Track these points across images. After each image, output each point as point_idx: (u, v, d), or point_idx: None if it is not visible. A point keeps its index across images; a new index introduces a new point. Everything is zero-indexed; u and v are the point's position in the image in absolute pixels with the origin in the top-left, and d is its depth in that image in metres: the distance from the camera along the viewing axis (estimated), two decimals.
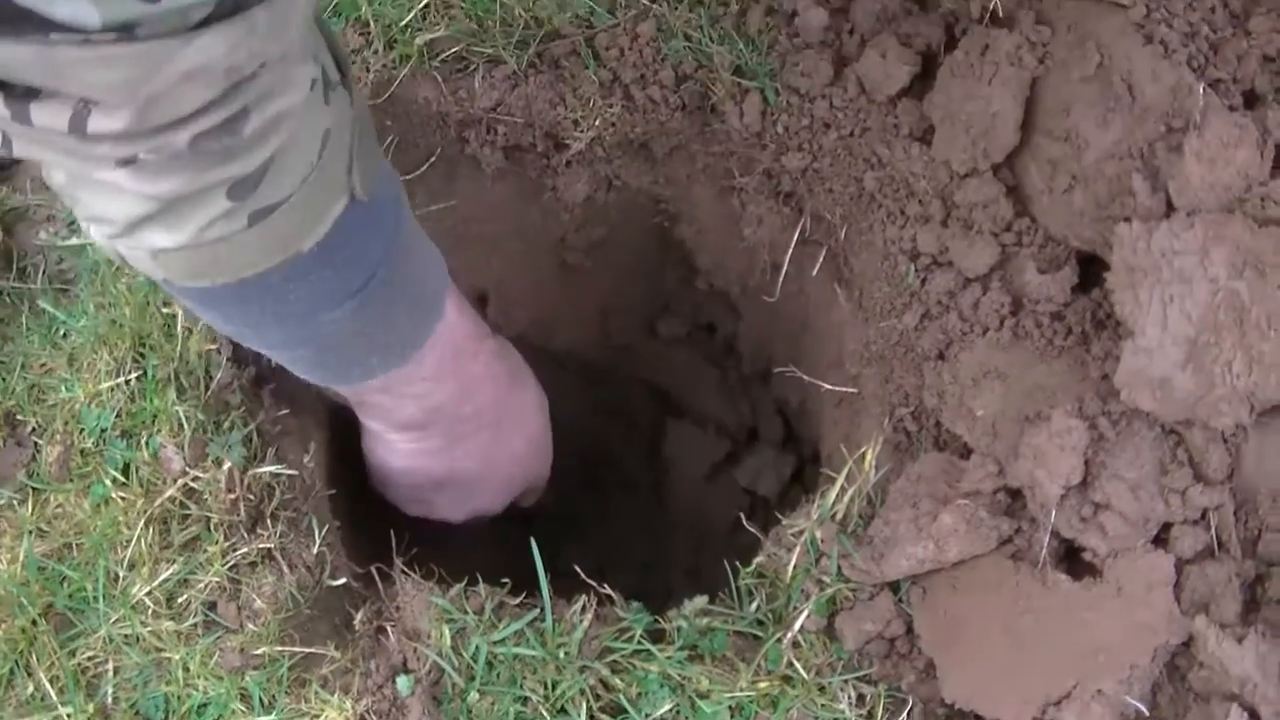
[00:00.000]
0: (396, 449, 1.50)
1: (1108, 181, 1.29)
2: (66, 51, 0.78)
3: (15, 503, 1.43)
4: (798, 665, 1.30)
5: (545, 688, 1.29)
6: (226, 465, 1.37)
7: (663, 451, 2.06)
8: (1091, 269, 1.35)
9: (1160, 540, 1.23)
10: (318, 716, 1.29)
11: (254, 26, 0.86)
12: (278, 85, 0.95)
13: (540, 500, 1.74)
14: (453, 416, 1.45)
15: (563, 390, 1.82)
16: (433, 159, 1.62)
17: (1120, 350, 1.22)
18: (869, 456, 1.37)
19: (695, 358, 2.02)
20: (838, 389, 1.53)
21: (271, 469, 1.39)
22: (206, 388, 1.42)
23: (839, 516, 1.34)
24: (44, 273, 1.56)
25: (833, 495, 1.35)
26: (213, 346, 1.43)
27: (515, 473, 1.62)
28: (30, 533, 1.40)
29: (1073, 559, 1.26)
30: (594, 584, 1.34)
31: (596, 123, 1.54)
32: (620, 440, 2.08)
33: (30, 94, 0.84)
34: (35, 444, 1.45)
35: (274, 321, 1.17)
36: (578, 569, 1.35)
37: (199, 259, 1.03)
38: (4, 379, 1.49)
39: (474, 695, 1.29)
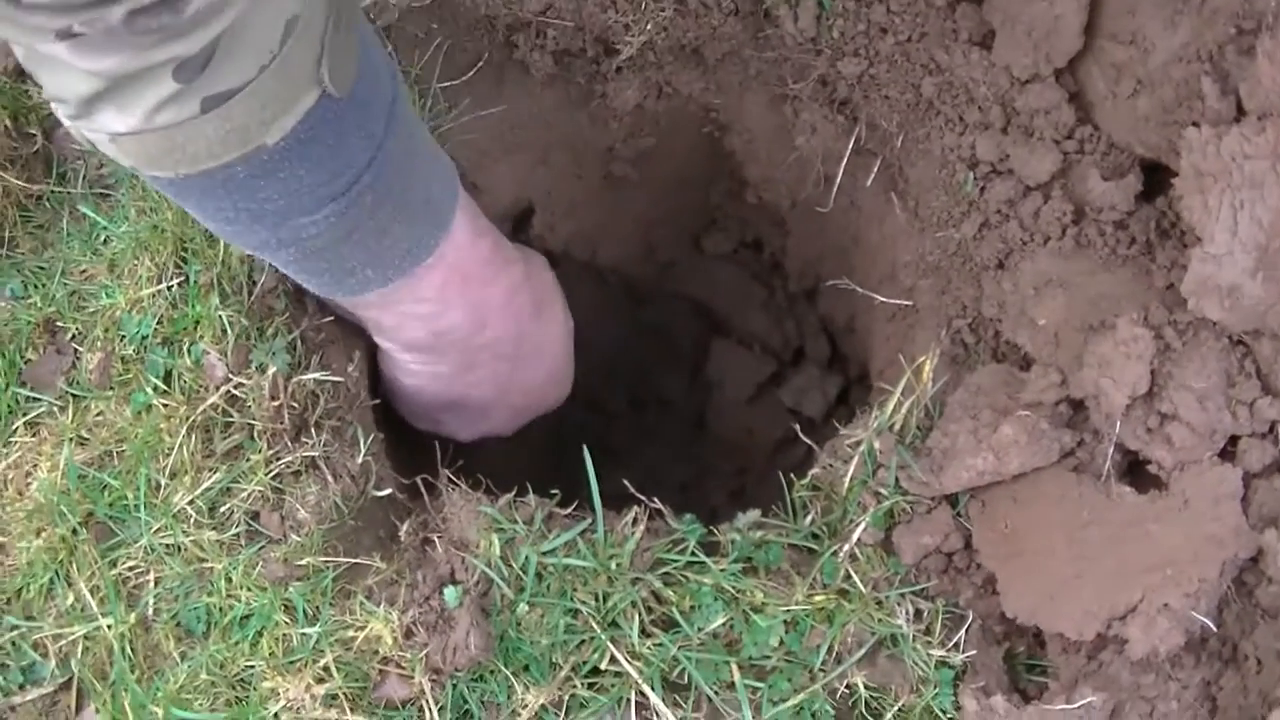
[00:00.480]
0: (405, 368, 1.47)
1: (1175, 85, 1.26)
2: None
3: (56, 410, 1.41)
4: (855, 578, 1.28)
5: (596, 600, 1.27)
6: (270, 371, 1.35)
7: (706, 372, 2.04)
8: (1156, 177, 1.32)
9: (1227, 453, 1.20)
10: (363, 628, 1.27)
11: None
12: None
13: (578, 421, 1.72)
14: (463, 344, 1.41)
15: (605, 309, 1.80)
16: (480, 64, 1.58)
17: (1187, 259, 1.19)
18: (926, 367, 1.34)
19: (741, 275, 1.99)
20: (891, 302, 1.51)
21: (316, 376, 1.37)
22: (250, 293, 1.39)
23: (896, 428, 1.32)
24: (84, 177, 1.53)
25: (890, 406, 1.33)
26: None
27: (531, 402, 1.58)
28: (70, 440, 1.38)
29: (1136, 472, 1.24)
30: (644, 499, 1.32)
31: (648, 27, 1.51)
32: (663, 360, 2.06)
33: None
34: (75, 351, 1.43)
35: (250, 220, 1.13)
36: (627, 484, 1.33)
37: (155, 145, 1.00)
38: (44, 285, 1.46)
39: (523, 607, 1.27)
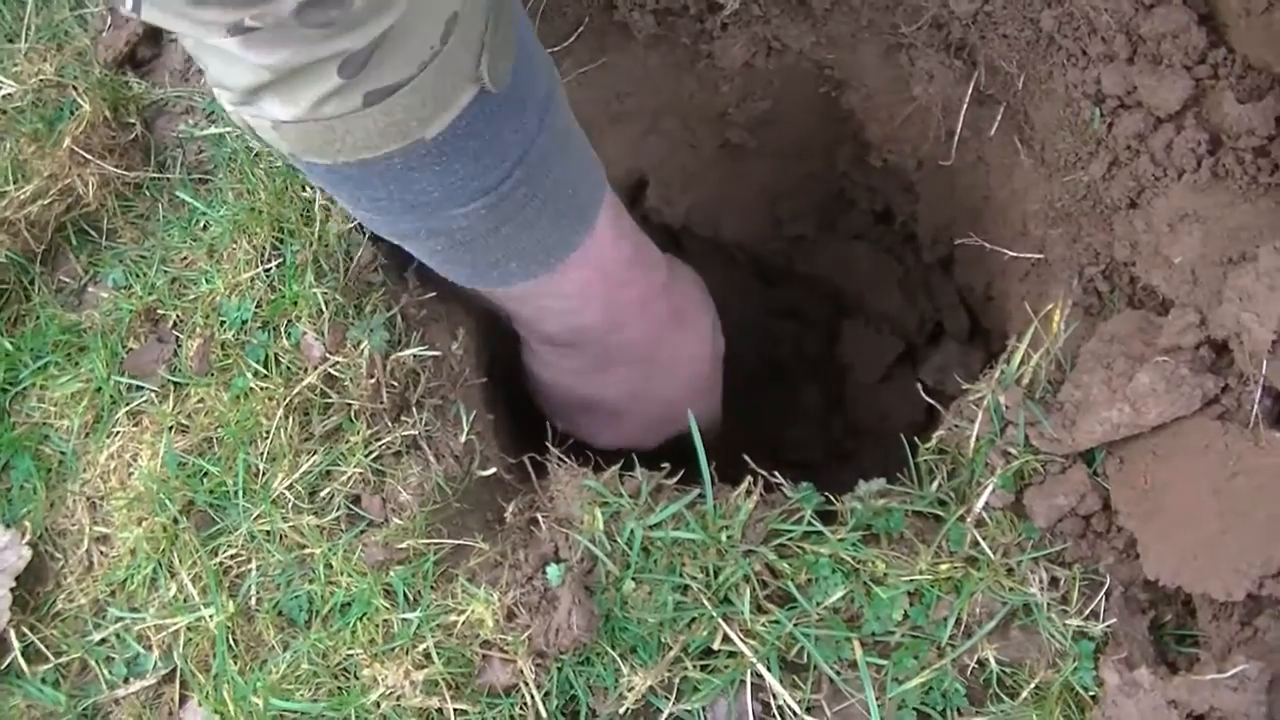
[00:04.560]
0: (541, 359, 1.48)
1: None
2: None
3: (156, 399, 1.39)
4: (983, 544, 1.20)
5: (706, 574, 1.20)
6: (367, 349, 1.31)
7: (837, 355, 1.96)
8: None
9: None
10: (464, 611, 1.22)
11: None
12: None
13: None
14: (598, 343, 1.41)
15: (735, 290, 1.74)
16: (581, 28, 1.54)
17: None
18: (1056, 316, 1.26)
19: (874, 252, 1.92)
20: (1022, 256, 1.42)
21: (415, 352, 1.33)
22: (346, 270, 1.36)
23: (1025, 382, 1.23)
24: (182, 164, 1.52)
25: (1017, 358, 1.24)
26: (351, 225, 1.37)
27: (668, 414, 1.54)
28: (170, 429, 1.36)
29: None
30: (759, 471, 1.25)
31: None
32: (794, 343, 1.99)
33: None
34: (176, 339, 1.41)
35: (402, 209, 1.14)
36: (746, 458, 1.26)
37: (317, 134, 1.01)
38: (145, 274, 1.45)
39: (629, 584, 1.21)
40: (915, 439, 1.28)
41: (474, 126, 1.06)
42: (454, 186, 1.11)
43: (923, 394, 1.33)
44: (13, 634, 1.34)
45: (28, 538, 1.38)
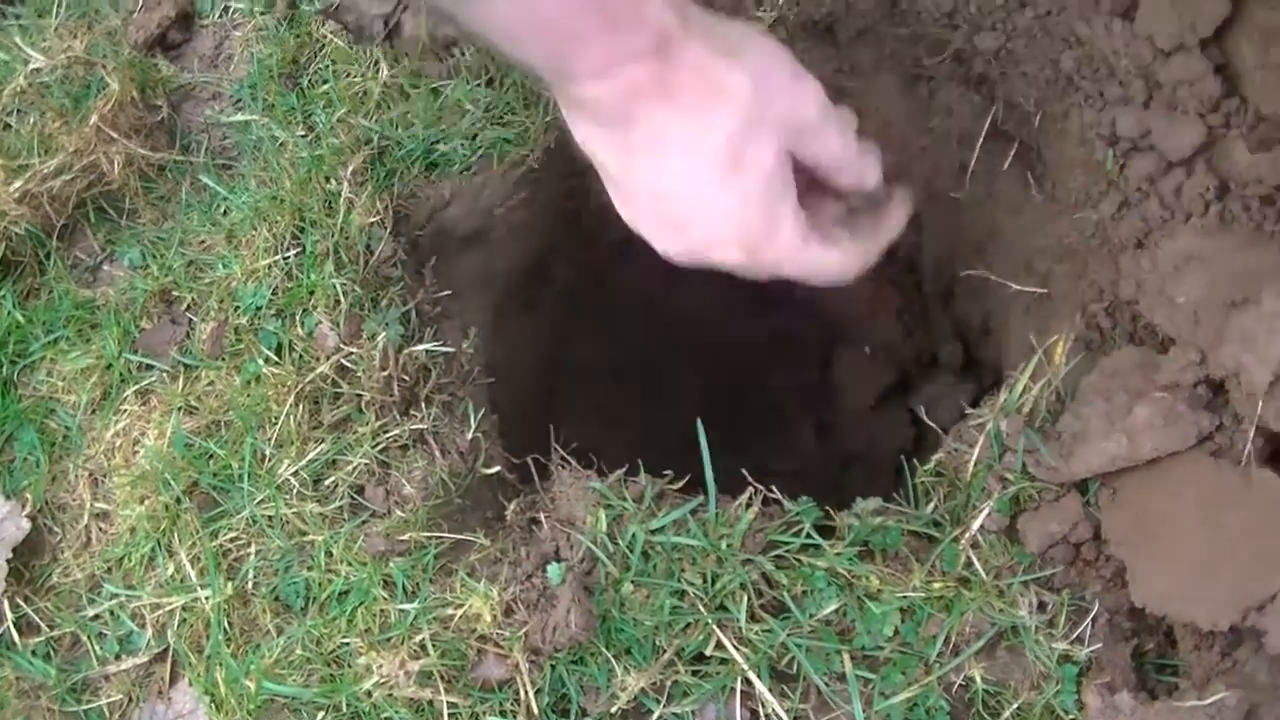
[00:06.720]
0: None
1: None
2: None
3: (166, 378, 1.40)
4: (977, 565, 1.22)
5: (704, 581, 1.22)
6: (382, 341, 1.32)
7: (829, 379, 1.98)
8: None
9: None
10: (462, 605, 1.23)
11: None
12: None
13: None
14: (562, 93, 1.07)
15: (731, 312, 1.75)
16: None
17: None
18: (1059, 348, 1.28)
19: (873, 279, 1.93)
20: (1027, 290, 1.44)
21: (428, 347, 1.35)
22: (366, 263, 1.38)
23: (1025, 410, 1.26)
24: (207, 149, 1.53)
25: (1019, 387, 1.26)
26: (374, 220, 1.38)
27: (666, 210, 1.15)
28: (179, 409, 1.37)
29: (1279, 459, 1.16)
30: (758, 485, 1.26)
31: (780, 2, 1.47)
32: (786, 367, 2.01)
33: None
34: (190, 321, 1.42)
35: None
36: (744, 472, 1.28)
37: None
38: (162, 255, 1.46)
39: (628, 586, 1.22)
40: (914, 461, 1.30)
41: None
42: None
43: (924, 418, 1.35)
44: (6, 605, 1.35)
45: (27, 510, 1.39)
